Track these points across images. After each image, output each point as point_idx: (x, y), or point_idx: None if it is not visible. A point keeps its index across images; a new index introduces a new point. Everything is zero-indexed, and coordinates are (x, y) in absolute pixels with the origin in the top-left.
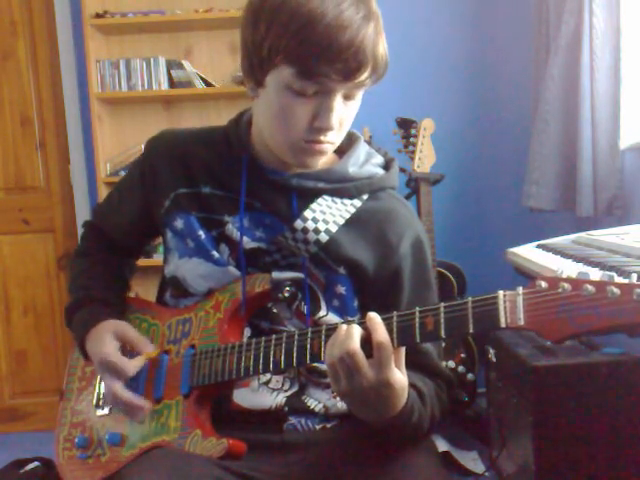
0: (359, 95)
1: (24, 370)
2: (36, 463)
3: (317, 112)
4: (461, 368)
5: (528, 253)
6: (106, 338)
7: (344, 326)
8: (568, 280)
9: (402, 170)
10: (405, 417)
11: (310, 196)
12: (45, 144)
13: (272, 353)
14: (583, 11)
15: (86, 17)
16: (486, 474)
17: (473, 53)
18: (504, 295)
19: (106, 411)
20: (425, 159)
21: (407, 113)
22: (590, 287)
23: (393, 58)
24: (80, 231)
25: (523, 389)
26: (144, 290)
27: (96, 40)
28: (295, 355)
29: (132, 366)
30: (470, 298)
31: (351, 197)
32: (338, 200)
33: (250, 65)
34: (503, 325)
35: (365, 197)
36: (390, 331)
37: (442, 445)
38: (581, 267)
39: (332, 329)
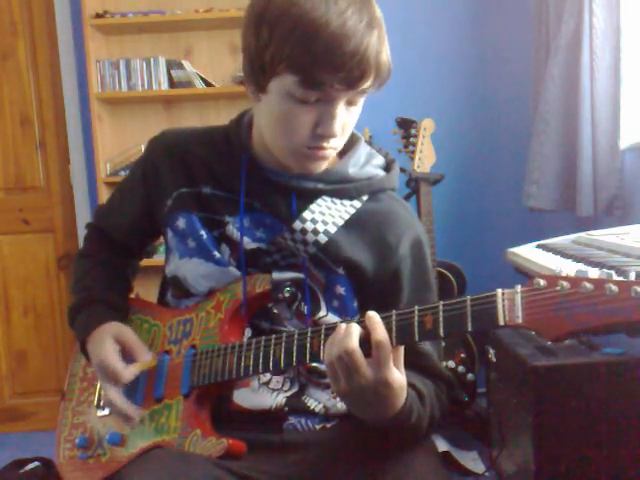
0: (362, 100)
1: (24, 370)
2: (36, 463)
3: (319, 119)
4: (461, 368)
5: (528, 253)
6: (106, 341)
7: (343, 325)
8: (566, 278)
9: (402, 170)
10: (404, 417)
11: (309, 197)
12: (45, 144)
13: (272, 353)
14: (583, 11)
15: (86, 17)
16: (486, 474)
17: (473, 53)
18: (502, 293)
19: (107, 411)
20: (425, 159)
21: (407, 113)
22: (588, 285)
23: (393, 58)
24: (80, 231)
25: (523, 389)
26: (145, 290)
27: (96, 40)
28: (295, 354)
29: (128, 373)
30: (469, 296)
31: (351, 198)
32: (338, 201)
33: (252, 70)
34: (501, 323)
35: (365, 198)
36: (389, 330)
37: (442, 445)
38: (581, 267)
39: (331, 328)
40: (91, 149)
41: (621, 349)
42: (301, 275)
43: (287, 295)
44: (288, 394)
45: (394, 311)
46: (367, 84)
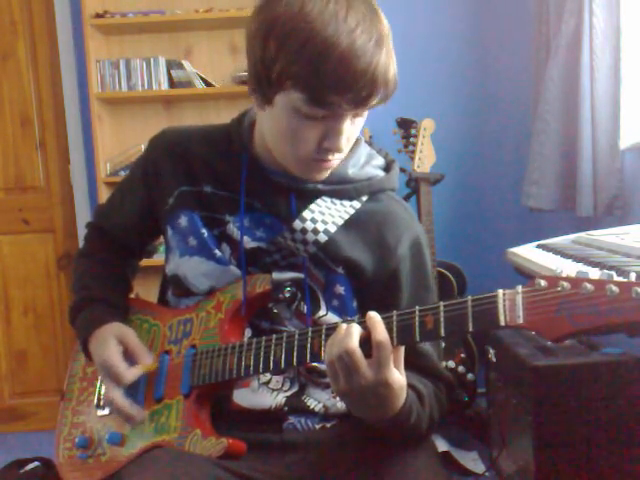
0: (367, 112)
1: (24, 370)
2: (36, 463)
3: (326, 134)
4: (461, 368)
5: (528, 253)
6: (109, 341)
7: (344, 325)
8: (567, 279)
9: (402, 170)
10: (403, 417)
11: (309, 197)
12: (45, 144)
13: (272, 353)
14: (583, 11)
15: (86, 17)
16: (486, 474)
17: (473, 53)
18: (503, 294)
19: (107, 411)
20: (425, 159)
21: (407, 113)
22: (589, 286)
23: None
24: (80, 231)
25: (523, 389)
26: (145, 290)
27: (96, 40)
28: (295, 354)
29: (130, 374)
30: (470, 297)
31: (350, 198)
32: (337, 201)
33: (258, 81)
34: (502, 324)
35: (364, 198)
36: (390, 330)
37: (442, 445)
38: (581, 267)
39: (332, 328)
40: (91, 149)
41: (621, 349)
42: (301, 275)
43: (287, 295)
44: (288, 394)
45: (395, 311)
46: (375, 101)
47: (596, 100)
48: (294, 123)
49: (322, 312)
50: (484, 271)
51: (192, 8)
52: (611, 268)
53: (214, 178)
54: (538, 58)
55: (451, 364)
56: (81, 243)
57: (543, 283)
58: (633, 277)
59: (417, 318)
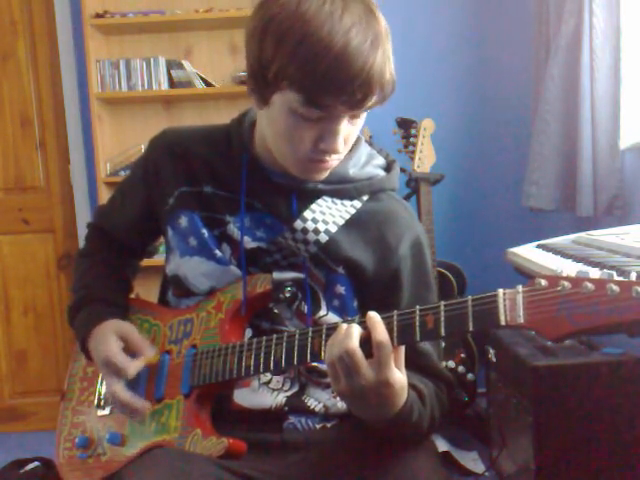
0: (365, 113)
1: (24, 370)
2: (36, 463)
3: (322, 135)
4: (461, 368)
5: (528, 253)
6: (110, 337)
7: (344, 325)
8: (568, 278)
9: (402, 170)
10: (405, 416)
11: (310, 197)
12: (45, 144)
13: (273, 352)
14: (583, 11)
15: (86, 17)
16: (486, 474)
17: (473, 53)
18: (504, 293)
19: (107, 411)
20: (425, 159)
21: (407, 113)
22: (589, 285)
23: (394, 58)
24: (80, 231)
25: (523, 389)
26: (145, 290)
27: (96, 40)
28: (296, 354)
29: (133, 367)
30: (470, 296)
31: (351, 198)
32: (338, 201)
33: (255, 82)
34: (503, 323)
35: (365, 198)
36: (390, 330)
37: (442, 445)
38: (581, 267)
39: (333, 328)
40: (91, 149)
41: (621, 349)
42: (302, 275)
43: (288, 295)
44: (288, 394)
45: (395, 311)
46: (371, 102)
47: (596, 100)
48: (291, 123)
49: (323, 312)
50: (484, 271)
51: (192, 8)
52: (611, 268)
53: (214, 178)
54: (538, 58)
55: (451, 364)
56: (81, 243)
57: (543, 283)
58: (633, 276)
59: (417, 318)
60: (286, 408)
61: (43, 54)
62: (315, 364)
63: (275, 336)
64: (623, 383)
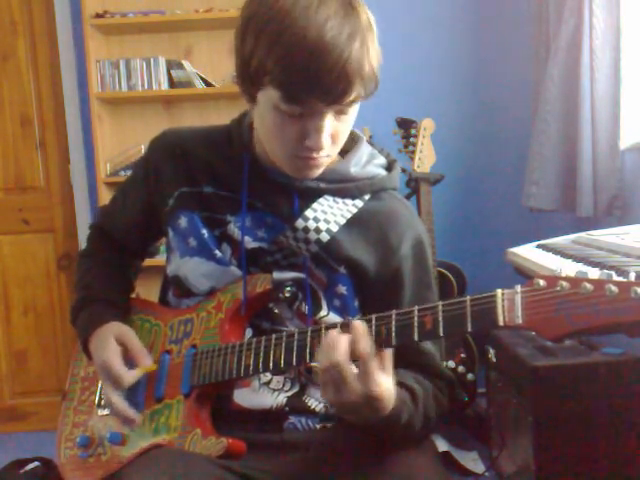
0: (353, 109)
1: (24, 370)
2: (36, 463)
3: (307, 132)
4: (461, 368)
5: (528, 253)
6: (109, 342)
7: (330, 334)
8: (566, 278)
9: (402, 170)
10: (393, 419)
11: (311, 196)
12: (45, 144)
13: (272, 352)
14: (583, 11)
15: (86, 17)
16: (486, 474)
17: (473, 53)
18: (502, 294)
19: (108, 411)
20: (425, 159)
21: (407, 113)
22: (588, 285)
23: (394, 58)
24: (80, 231)
25: (523, 389)
26: (146, 290)
27: (96, 40)
28: (295, 354)
29: (130, 377)
30: (468, 296)
31: (352, 197)
32: (340, 200)
33: (242, 81)
34: (501, 324)
35: (367, 197)
36: (389, 330)
37: (442, 445)
38: (581, 267)
39: (332, 328)
40: (91, 149)
41: (621, 349)
42: (302, 275)
43: (288, 295)
44: (289, 394)
45: (394, 311)
46: (351, 97)
47: (596, 100)
48: (276, 120)
49: (323, 312)
50: (484, 271)
51: (192, 8)
52: (611, 268)
53: (215, 179)
54: (538, 58)
55: (451, 364)
56: (81, 243)
57: (542, 283)
58: (632, 277)
59: (416, 318)
60: (286, 408)
61: (43, 54)
62: (315, 364)
63: (274, 336)
64: (623, 383)
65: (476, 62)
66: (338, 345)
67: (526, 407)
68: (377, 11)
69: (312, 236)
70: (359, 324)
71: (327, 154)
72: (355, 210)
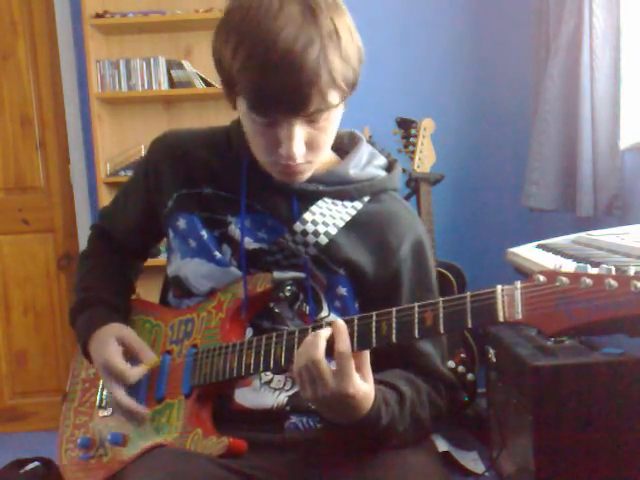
0: (329, 115)
1: (24, 370)
2: (36, 463)
3: (279, 140)
4: (461, 368)
5: (528, 253)
6: (110, 342)
7: (313, 333)
8: (566, 274)
9: (402, 170)
10: (371, 421)
11: (310, 199)
12: (45, 144)
13: (273, 351)
14: (583, 11)
15: (86, 17)
16: (486, 474)
17: (473, 53)
18: (502, 289)
19: (109, 412)
20: (425, 159)
21: (407, 113)
22: (588, 280)
23: (394, 58)
24: (80, 231)
25: (523, 389)
26: (147, 290)
27: (96, 40)
28: (295, 352)
29: (133, 374)
30: (469, 293)
31: (352, 199)
32: (339, 202)
33: (223, 86)
34: (501, 319)
35: (366, 199)
36: (389, 327)
37: (442, 445)
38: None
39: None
40: (91, 149)
41: (621, 349)
42: (302, 274)
43: (288, 294)
44: (289, 393)
45: (394, 308)
46: (311, 108)
47: (596, 100)
48: (252, 128)
49: (324, 313)
50: (484, 271)
51: (192, 8)
52: None
53: (215, 180)
54: (538, 58)
55: (451, 364)
56: (81, 243)
57: (542, 278)
58: (632, 271)
59: (416, 315)
60: (287, 407)
61: (43, 54)
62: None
63: (275, 334)
64: (623, 383)
65: (476, 62)
66: (318, 342)
67: (526, 407)
68: (377, 11)
69: (310, 239)
70: (341, 323)
71: (307, 160)
72: (354, 212)
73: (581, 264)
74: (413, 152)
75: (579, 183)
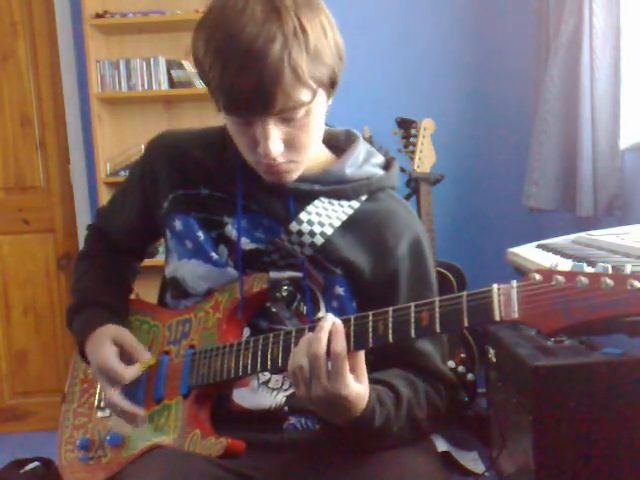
0: (307, 113)
1: (24, 370)
2: (36, 463)
3: (257, 139)
4: (461, 368)
5: (528, 253)
6: (105, 343)
7: (317, 327)
8: (562, 273)
9: (402, 170)
10: (365, 421)
11: (307, 198)
12: (45, 144)
13: (270, 351)
14: (583, 11)
15: (86, 17)
16: (486, 474)
17: (473, 53)
18: (498, 288)
19: (107, 413)
20: (425, 159)
21: (407, 113)
22: (584, 279)
23: (394, 58)
24: (80, 231)
25: (523, 389)
26: (145, 290)
27: (96, 40)
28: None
29: (128, 374)
30: (465, 292)
31: (348, 199)
32: (335, 202)
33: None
34: (497, 318)
35: (363, 198)
36: (385, 327)
37: (442, 445)
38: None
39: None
40: (91, 149)
41: (621, 349)
42: (299, 274)
43: (285, 294)
44: (287, 393)
45: (390, 308)
46: (276, 108)
47: (596, 100)
48: (232, 128)
49: (322, 313)
50: (484, 271)
51: (192, 8)
52: None
53: (211, 181)
54: (538, 58)
55: (451, 364)
56: (81, 243)
57: (538, 277)
58: (628, 270)
59: (412, 314)
60: (286, 408)
61: (43, 54)
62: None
63: (272, 334)
64: (623, 383)
65: (476, 62)
66: (321, 338)
67: (526, 407)
68: (377, 11)
69: (306, 239)
70: (338, 323)
71: (290, 160)
72: (351, 212)
73: (577, 263)
74: (413, 152)
75: (579, 183)
